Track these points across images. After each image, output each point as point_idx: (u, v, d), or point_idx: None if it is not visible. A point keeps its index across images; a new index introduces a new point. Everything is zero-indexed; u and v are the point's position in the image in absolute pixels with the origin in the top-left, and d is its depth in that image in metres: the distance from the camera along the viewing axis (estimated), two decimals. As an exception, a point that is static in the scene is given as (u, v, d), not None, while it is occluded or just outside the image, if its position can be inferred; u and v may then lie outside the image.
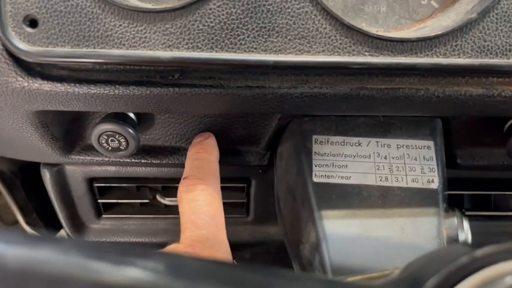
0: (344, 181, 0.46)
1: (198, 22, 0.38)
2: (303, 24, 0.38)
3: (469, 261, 0.18)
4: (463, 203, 0.64)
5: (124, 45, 0.38)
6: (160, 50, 0.38)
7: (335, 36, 0.38)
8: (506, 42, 0.38)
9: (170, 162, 0.53)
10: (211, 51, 0.38)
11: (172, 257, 0.18)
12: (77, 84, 0.40)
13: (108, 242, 0.18)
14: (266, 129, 0.50)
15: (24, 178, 0.68)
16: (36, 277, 0.15)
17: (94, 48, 0.38)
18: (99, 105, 0.42)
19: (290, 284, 0.18)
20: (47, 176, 0.58)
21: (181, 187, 0.43)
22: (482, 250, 0.19)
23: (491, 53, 0.38)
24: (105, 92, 0.40)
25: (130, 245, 0.17)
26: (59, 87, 0.40)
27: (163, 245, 0.42)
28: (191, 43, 0.38)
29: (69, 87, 0.40)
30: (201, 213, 0.41)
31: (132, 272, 0.16)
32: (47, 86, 0.40)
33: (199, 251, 0.39)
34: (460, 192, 0.63)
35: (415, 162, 0.47)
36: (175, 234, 0.67)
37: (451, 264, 0.19)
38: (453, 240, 0.44)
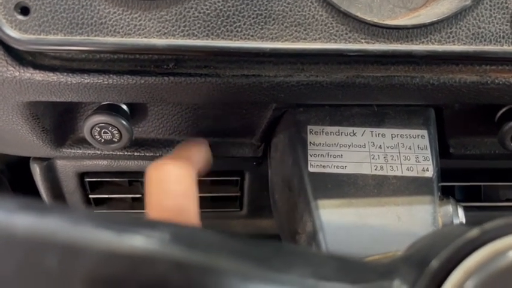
0: (339, 171, 0.46)
1: (193, 9, 0.37)
2: (299, 11, 0.38)
3: (479, 234, 0.18)
4: (454, 194, 0.65)
5: (118, 32, 0.37)
6: (155, 38, 0.37)
7: (331, 23, 0.38)
8: (500, 29, 0.39)
9: (164, 155, 0.53)
10: (207, 39, 0.38)
11: (175, 226, 0.17)
12: (70, 74, 0.39)
13: (116, 213, 0.17)
14: (261, 120, 0.50)
15: (12, 176, 0.67)
16: (46, 246, 0.14)
17: (87, 36, 0.37)
18: (92, 95, 0.41)
19: (298, 259, 0.18)
20: (37, 170, 0.57)
21: (150, 167, 0.38)
22: (492, 223, 0.19)
23: (485, 40, 0.39)
24: (99, 81, 0.40)
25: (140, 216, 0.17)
26: (51, 77, 0.39)
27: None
28: (187, 30, 0.37)
29: (61, 76, 0.39)
30: (168, 194, 0.36)
31: (140, 241, 0.15)
32: (38, 75, 0.39)
33: None
34: (451, 184, 0.63)
35: (410, 151, 0.47)
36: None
37: (460, 238, 0.19)
38: (448, 227, 0.44)
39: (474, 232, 0.19)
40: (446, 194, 0.63)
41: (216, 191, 0.62)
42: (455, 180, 0.63)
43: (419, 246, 0.22)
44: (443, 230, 0.23)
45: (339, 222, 0.44)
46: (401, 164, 0.46)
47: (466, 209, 0.60)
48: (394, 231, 0.43)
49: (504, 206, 0.66)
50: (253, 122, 0.51)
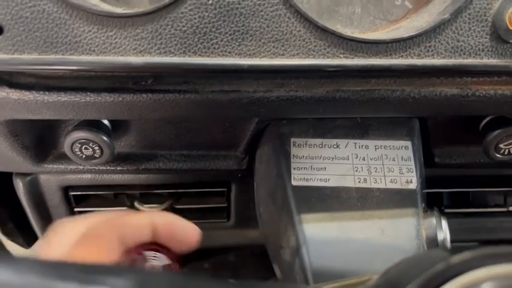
0: (323, 184, 0.45)
1: (169, 26, 0.37)
2: (276, 27, 0.37)
3: (445, 268, 0.18)
4: (442, 201, 0.65)
5: (94, 51, 0.37)
6: (131, 56, 0.37)
7: (309, 38, 0.38)
8: (479, 42, 0.38)
9: (147, 168, 0.52)
10: (184, 56, 0.37)
11: (140, 273, 0.17)
12: (46, 92, 0.39)
13: (70, 262, 0.16)
14: (244, 133, 0.50)
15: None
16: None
17: (63, 54, 0.37)
18: (70, 113, 0.41)
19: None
20: (20, 185, 0.56)
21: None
22: (458, 257, 0.19)
23: (464, 53, 0.39)
24: (76, 99, 0.39)
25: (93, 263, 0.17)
26: (28, 96, 0.39)
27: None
28: (163, 48, 0.37)
29: (38, 95, 0.39)
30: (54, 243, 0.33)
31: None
32: (14, 94, 0.38)
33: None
34: (438, 190, 0.63)
35: (393, 162, 0.47)
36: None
37: (427, 271, 0.18)
38: (432, 240, 0.44)
39: (440, 266, 0.18)
40: (435, 200, 0.63)
41: (203, 202, 0.62)
42: (443, 186, 0.63)
43: (391, 275, 0.22)
44: (416, 257, 0.23)
45: (322, 236, 0.43)
46: (384, 176, 0.46)
47: (454, 215, 0.60)
48: (378, 244, 0.43)
49: (493, 212, 0.66)
50: (237, 135, 0.50)
